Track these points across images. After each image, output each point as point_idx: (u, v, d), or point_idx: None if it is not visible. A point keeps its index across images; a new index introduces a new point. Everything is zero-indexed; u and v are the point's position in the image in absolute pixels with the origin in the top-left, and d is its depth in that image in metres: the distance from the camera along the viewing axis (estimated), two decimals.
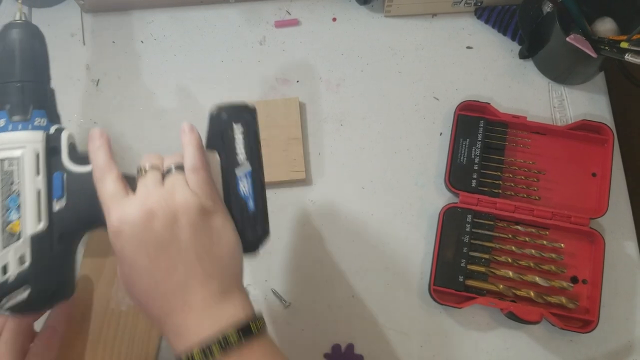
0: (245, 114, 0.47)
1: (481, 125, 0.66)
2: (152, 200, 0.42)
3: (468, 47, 0.72)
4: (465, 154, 0.65)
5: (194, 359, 0.40)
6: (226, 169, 0.46)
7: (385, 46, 0.73)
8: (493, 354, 0.62)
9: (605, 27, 0.64)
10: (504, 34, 0.72)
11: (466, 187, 0.64)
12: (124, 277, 0.43)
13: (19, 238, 0.45)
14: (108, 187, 0.44)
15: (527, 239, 0.63)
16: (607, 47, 0.61)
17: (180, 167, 0.46)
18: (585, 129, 0.66)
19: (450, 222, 0.63)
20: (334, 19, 0.74)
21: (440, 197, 0.67)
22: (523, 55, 0.72)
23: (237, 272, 0.45)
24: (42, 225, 0.45)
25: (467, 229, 0.63)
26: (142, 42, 0.73)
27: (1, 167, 0.45)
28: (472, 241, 0.63)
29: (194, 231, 0.42)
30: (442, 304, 0.61)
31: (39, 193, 0.45)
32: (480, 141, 0.66)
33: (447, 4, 0.72)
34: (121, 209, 0.42)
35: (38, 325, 0.52)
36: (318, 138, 0.69)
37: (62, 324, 0.53)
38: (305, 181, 0.67)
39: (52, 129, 0.48)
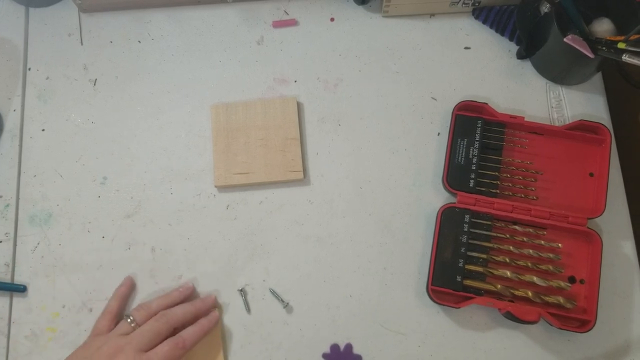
0: None
1: (479, 125, 0.66)
2: (104, 342, 0.56)
3: (466, 48, 0.73)
4: (463, 154, 0.65)
5: None
6: None
7: (383, 46, 0.73)
8: (491, 354, 0.62)
9: (603, 27, 0.64)
10: (502, 34, 0.73)
11: (464, 187, 0.64)
12: None
13: None
14: (100, 320, 0.60)
15: (524, 238, 0.63)
16: (604, 48, 0.61)
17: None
18: (583, 129, 0.66)
19: (448, 222, 0.63)
20: (332, 19, 0.74)
21: (438, 197, 0.67)
22: (521, 56, 0.72)
23: None
24: None
25: (465, 229, 0.63)
26: (139, 42, 0.73)
27: None
28: (470, 241, 0.63)
29: None
30: (440, 304, 0.61)
31: None
32: (478, 141, 0.66)
33: (445, 4, 0.72)
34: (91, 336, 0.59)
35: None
36: (316, 138, 0.69)
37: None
38: (303, 181, 0.67)
39: None
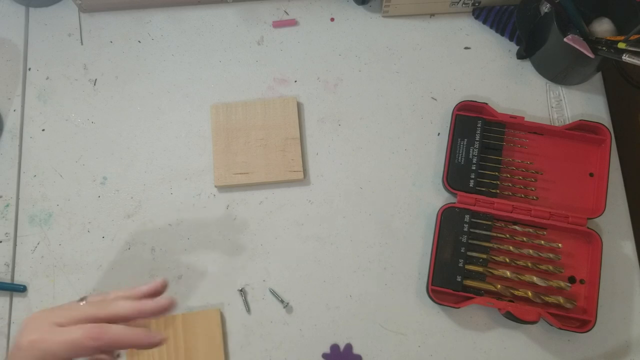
0: None
1: (479, 125, 0.66)
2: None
3: (466, 48, 0.72)
4: (463, 154, 0.65)
5: None
6: None
7: (383, 46, 0.73)
8: (491, 354, 0.62)
9: (603, 27, 0.64)
10: (502, 34, 0.73)
11: (464, 187, 0.64)
12: None
13: None
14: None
15: (524, 239, 0.63)
16: (604, 48, 0.61)
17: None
18: (583, 129, 0.66)
19: (448, 222, 0.63)
20: (332, 19, 0.74)
21: (438, 197, 0.67)
22: (521, 56, 0.72)
23: None
24: None
25: (465, 229, 0.63)
26: (139, 42, 0.73)
27: None
28: (470, 241, 0.63)
29: None
30: (440, 304, 0.61)
31: None
32: (478, 141, 0.66)
33: (445, 4, 0.72)
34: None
35: None
36: (316, 138, 0.69)
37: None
38: (303, 181, 0.67)
39: None
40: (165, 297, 0.50)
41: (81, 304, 0.49)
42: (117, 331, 0.46)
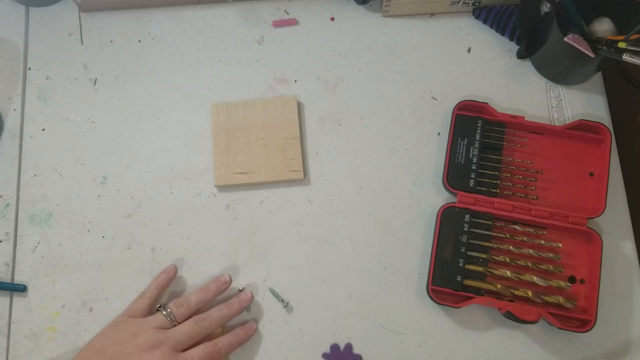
0: None
1: (479, 125, 0.66)
2: (140, 331, 0.55)
3: (468, 51, 0.72)
4: (463, 154, 0.65)
5: None
6: None
7: (383, 46, 0.73)
8: (491, 354, 0.62)
9: (603, 27, 0.64)
10: (502, 34, 0.73)
11: (464, 187, 0.64)
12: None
13: None
14: (137, 303, 0.59)
15: (525, 238, 0.63)
16: (604, 47, 0.61)
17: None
18: (583, 128, 0.66)
19: (448, 221, 0.63)
20: (332, 19, 0.74)
21: (438, 197, 0.67)
22: (521, 55, 0.72)
23: None
24: None
25: (465, 229, 0.63)
26: (139, 41, 0.73)
27: None
28: (470, 241, 0.63)
29: None
30: (440, 304, 0.61)
31: None
32: (478, 141, 0.66)
33: (445, 4, 0.72)
34: (124, 317, 0.58)
35: None
36: (316, 138, 0.69)
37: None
38: (303, 181, 0.67)
39: None
40: (243, 292, 0.62)
41: (165, 313, 0.57)
42: (227, 340, 0.58)
